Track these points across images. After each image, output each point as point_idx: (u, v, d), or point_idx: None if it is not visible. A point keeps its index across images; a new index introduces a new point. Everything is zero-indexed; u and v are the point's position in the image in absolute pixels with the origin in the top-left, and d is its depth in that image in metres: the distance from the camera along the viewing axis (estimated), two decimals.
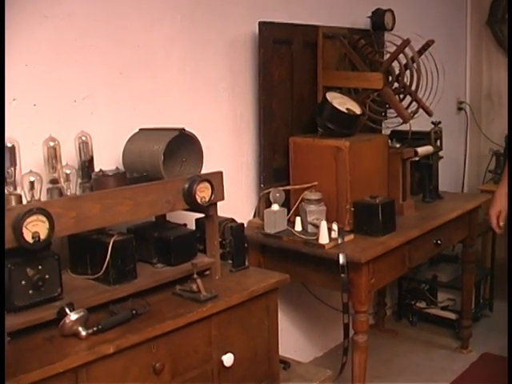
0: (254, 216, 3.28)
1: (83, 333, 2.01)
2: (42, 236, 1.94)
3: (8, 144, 2.18)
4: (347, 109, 3.12)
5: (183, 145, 2.46)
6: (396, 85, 3.37)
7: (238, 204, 3.16)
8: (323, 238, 2.83)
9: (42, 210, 1.93)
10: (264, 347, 2.56)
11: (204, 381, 2.33)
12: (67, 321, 2.00)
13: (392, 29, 3.68)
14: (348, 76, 3.41)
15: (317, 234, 2.87)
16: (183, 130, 2.42)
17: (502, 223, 3.06)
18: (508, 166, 2.28)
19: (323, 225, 2.85)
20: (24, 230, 1.90)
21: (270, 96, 3.21)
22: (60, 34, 2.49)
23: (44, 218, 1.94)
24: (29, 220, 1.91)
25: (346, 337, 2.96)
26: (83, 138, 2.38)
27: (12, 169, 2.18)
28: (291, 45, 3.31)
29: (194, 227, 2.66)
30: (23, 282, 2.02)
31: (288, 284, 2.62)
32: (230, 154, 3.20)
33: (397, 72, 3.36)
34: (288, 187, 3.15)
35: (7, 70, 2.34)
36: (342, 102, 3.15)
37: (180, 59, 2.93)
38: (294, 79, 3.35)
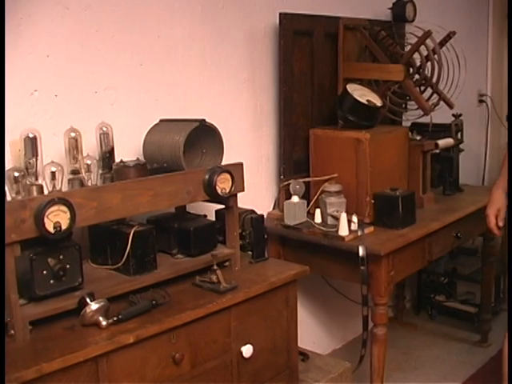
0: (274, 208, 3.28)
1: (103, 322, 2.02)
2: (64, 226, 1.95)
3: (30, 135, 2.19)
4: (368, 101, 3.10)
5: (203, 136, 2.46)
6: (417, 77, 3.35)
7: (257, 196, 3.16)
8: (343, 230, 2.83)
9: (63, 201, 1.94)
10: (283, 339, 2.56)
11: (223, 371, 2.34)
12: (88, 310, 2.01)
13: (413, 20, 3.66)
14: (369, 68, 3.40)
15: (336, 226, 2.87)
16: (204, 121, 2.42)
17: (501, 223, 2.81)
18: (508, 165, 2.21)
19: (343, 217, 2.84)
20: (45, 219, 1.91)
21: (291, 88, 3.20)
22: (81, 25, 2.50)
23: (65, 208, 1.95)
24: (50, 210, 1.91)
25: (364, 329, 2.96)
26: (104, 129, 2.39)
27: (33, 159, 2.20)
28: (312, 36, 3.29)
29: (213, 218, 2.66)
30: (44, 272, 2.03)
31: (307, 276, 2.61)
32: (250, 146, 3.20)
33: (418, 64, 3.34)
34: (308, 179, 3.14)
35: (28, 62, 2.36)
36: (362, 94, 3.13)
37: (200, 50, 2.93)
38: (315, 71, 3.34)
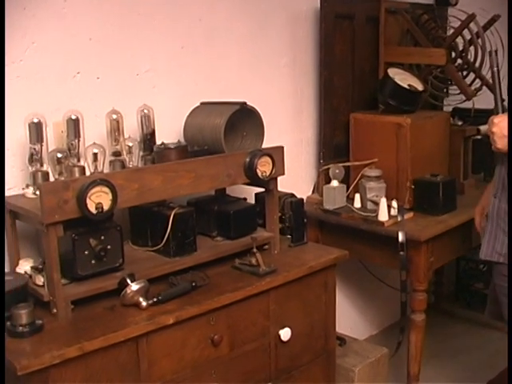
0: (313, 192, 3.27)
1: (144, 303, 2.04)
2: (105, 207, 1.97)
3: (72, 116, 2.21)
4: (409, 85, 3.07)
5: (244, 119, 2.46)
6: (459, 61, 3.31)
7: (297, 179, 3.16)
8: (382, 216, 2.81)
9: (105, 182, 1.96)
10: (321, 323, 2.56)
11: (261, 354, 2.35)
12: (128, 291, 2.04)
13: (456, 3, 3.60)
14: (410, 52, 3.35)
15: (376, 211, 2.85)
16: (245, 103, 2.42)
17: (483, 224, 2.66)
18: (508, 164, 2.18)
19: (383, 202, 2.82)
20: (88, 200, 1.92)
21: (331, 72, 3.18)
22: (124, 8, 2.50)
23: (107, 190, 1.96)
24: (93, 191, 1.93)
25: (402, 315, 2.94)
26: (145, 111, 2.40)
27: (76, 141, 2.22)
28: (353, 20, 3.27)
29: (253, 201, 2.66)
30: (86, 252, 2.05)
31: (345, 261, 2.61)
32: (290, 130, 3.18)
33: (460, 48, 3.29)
34: (348, 163, 3.12)
35: (71, 44, 2.37)
36: (403, 78, 3.10)
37: (241, 33, 2.92)
38: (356, 55, 3.31)
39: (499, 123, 2.12)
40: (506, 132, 2.11)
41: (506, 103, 2.31)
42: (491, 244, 2.31)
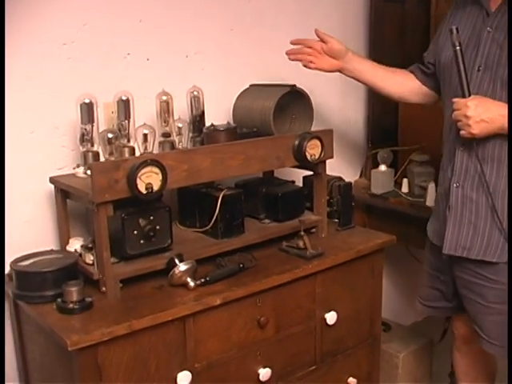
0: (361, 176, 3.25)
1: (191, 284, 2.05)
2: (155, 187, 1.97)
3: (123, 97, 2.22)
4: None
5: (293, 101, 2.45)
6: None
7: (344, 163, 3.14)
8: (430, 201, 2.78)
9: (155, 162, 1.97)
10: (367, 307, 2.55)
11: (306, 337, 2.35)
12: (176, 271, 2.05)
13: None
14: None
15: (424, 197, 2.82)
16: (294, 86, 2.41)
17: None
18: (508, 164, 2.10)
19: (431, 187, 2.79)
20: (138, 180, 1.93)
21: (381, 56, 3.13)
22: None
23: (157, 170, 1.97)
24: (143, 171, 1.94)
25: None
26: (195, 93, 2.40)
27: (126, 122, 2.23)
28: (404, 2, 3.21)
29: (301, 184, 2.65)
30: (135, 232, 2.07)
31: (391, 246, 2.59)
32: (338, 113, 3.16)
33: None
34: (396, 148, 3.09)
35: (122, 26, 2.39)
36: None
37: (291, 15, 2.90)
38: (406, 38, 3.26)
39: (477, 107, 1.99)
40: (485, 116, 1.99)
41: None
42: (455, 237, 2.20)
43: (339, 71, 2.49)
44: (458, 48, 2.04)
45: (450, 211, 2.21)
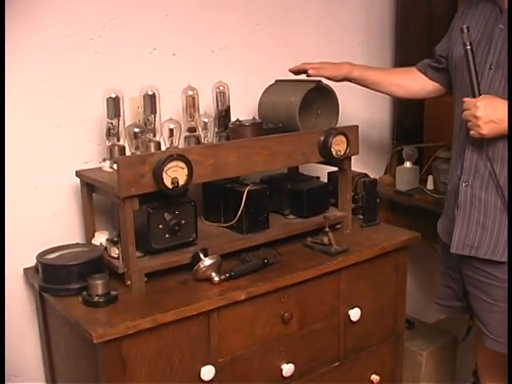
0: (385, 173, 3.23)
1: (216, 278, 2.06)
2: (181, 182, 1.98)
3: (149, 92, 2.23)
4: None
5: (319, 97, 2.45)
6: None
7: (369, 160, 3.12)
8: None
9: (181, 157, 1.97)
10: (391, 304, 2.54)
11: (330, 333, 2.35)
12: (201, 266, 2.05)
13: None
14: None
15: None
16: (320, 82, 2.40)
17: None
18: (508, 163, 2.08)
19: None
20: (164, 175, 1.94)
21: (407, 51, 3.12)
22: None
23: (183, 165, 1.98)
24: (169, 166, 1.94)
25: None
26: (220, 88, 2.40)
27: (152, 116, 2.24)
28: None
29: (325, 180, 2.64)
30: (160, 226, 2.07)
31: (415, 243, 2.58)
32: (363, 109, 3.15)
33: None
34: (421, 145, 3.07)
35: (148, 20, 2.40)
36: None
37: (316, 11, 2.90)
38: (432, 35, 3.22)
39: (486, 107, 1.97)
40: (494, 117, 1.97)
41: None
42: (462, 237, 2.18)
43: (346, 79, 2.51)
44: (468, 47, 2.03)
45: (458, 210, 2.20)
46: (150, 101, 2.23)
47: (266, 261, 2.17)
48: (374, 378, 2.54)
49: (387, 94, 2.60)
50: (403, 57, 3.09)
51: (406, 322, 2.85)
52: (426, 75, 2.47)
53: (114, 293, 1.96)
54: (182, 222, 2.11)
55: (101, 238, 2.20)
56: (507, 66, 2.02)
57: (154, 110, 2.24)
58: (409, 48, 3.13)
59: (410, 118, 3.18)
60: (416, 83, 2.51)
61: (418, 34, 3.17)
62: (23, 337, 2.34)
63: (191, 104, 2.33)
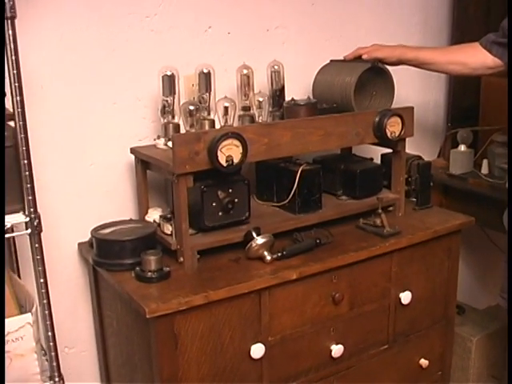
0: (439, 156, 3.19)
1: (268, 257, 2.06)
2: (236, 160, 1.98)
3: (204, 70, 2.23)
4: None
5: (374, 78, 2.42)
6: None
7: (422, 142, 3.08)
8: None
9: (236, 135, 1.97)
10: (442, 289, 2.52)
11: (380, 315, 2.34)
12: (253, 244, 2.06)
13: None
14: None
15: (504, 179, 2.75)
16: (376, 62, 2.37)
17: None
18: (508, 167, 2.01)
19: None
20: (219, 152, 1.94)
21: (463, 33, 3.06)
22: None
23: (238, 143, 1.98)
24: (224, 144, 1.95)
25: None
26: (275, 67, 2.39)
27: (207, 94, 2.24)
28: None
29: (379, 162, 2.62)
30: (214, 204, 2.09)
31: (468, 228, 2.55)
32: (418, 91, 3.11)
33: None
34: (477, 128, 3.02)
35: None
36: None
37: None
38: (491, 16, 3.16)
39: None
40: None
41: None
42: None
43: (400, 62, 2.47)
44: None
45: None
46: (205, 79, 2.24)
47: (318, 241, 2.16)
48: (423, 362, 2.53)
49: (444, 72, 2.55)
50: (460, 38, 3.03)
51: (457, 307, 2.82)
52: (491, 53, 2.39)
53: (166, 269, 1.98)
54: (235, 200, 2.11)
55: (154, 215, 2.22)
56: None
57: (208, 89, 2.24)
58: (466, 28, 3.06)
59: (465, 101, 3.13)
60: (475, 60, 2.43)
61: (477, 14, 3.11)
62: (76, 310, 2.38)
63: (246, 83, 2.32)
